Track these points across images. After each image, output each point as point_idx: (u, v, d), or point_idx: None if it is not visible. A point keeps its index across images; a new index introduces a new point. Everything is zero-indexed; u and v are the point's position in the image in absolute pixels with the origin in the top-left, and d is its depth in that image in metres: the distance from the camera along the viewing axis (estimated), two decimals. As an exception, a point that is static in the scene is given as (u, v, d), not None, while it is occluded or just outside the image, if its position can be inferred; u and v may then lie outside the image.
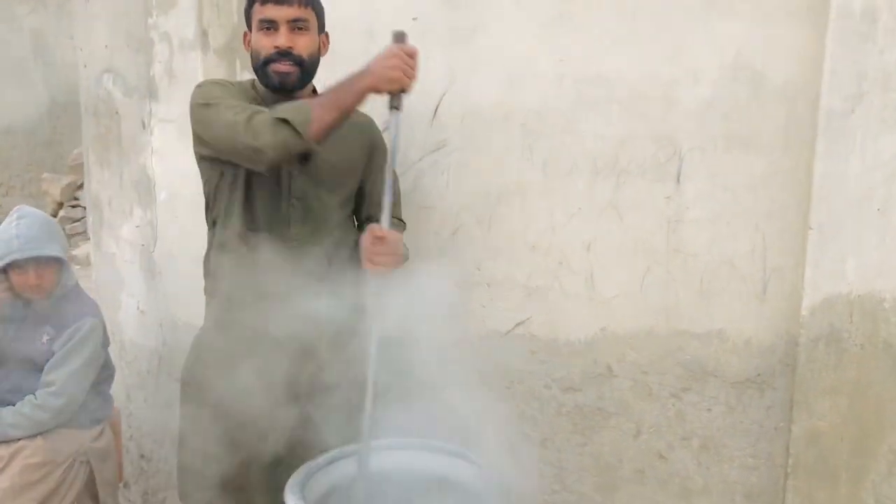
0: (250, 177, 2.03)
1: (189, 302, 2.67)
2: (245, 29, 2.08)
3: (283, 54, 1.96)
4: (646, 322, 2.12)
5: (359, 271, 2.06)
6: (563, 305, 2.24)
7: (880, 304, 1.72)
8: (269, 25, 1.96)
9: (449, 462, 1.82)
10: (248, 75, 2.66)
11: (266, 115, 1.84)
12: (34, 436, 2.41)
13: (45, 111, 8.17)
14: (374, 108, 2.07)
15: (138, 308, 3.00)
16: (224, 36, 2.61)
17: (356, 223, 2.28)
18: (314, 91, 2.11)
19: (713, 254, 2.01)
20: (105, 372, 2.61)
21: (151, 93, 2.75)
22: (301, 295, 2.02)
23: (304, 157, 1.89)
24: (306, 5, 1.98)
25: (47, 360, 2.48)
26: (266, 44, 1.97)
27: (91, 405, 2.55)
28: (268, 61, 1.98)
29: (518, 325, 2.31)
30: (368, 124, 2.20)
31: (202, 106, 1.96)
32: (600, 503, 2.23)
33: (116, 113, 2.95)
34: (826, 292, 1.78)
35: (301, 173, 2.04)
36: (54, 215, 6.75)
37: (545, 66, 2.16)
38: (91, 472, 2.54)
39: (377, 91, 1.86)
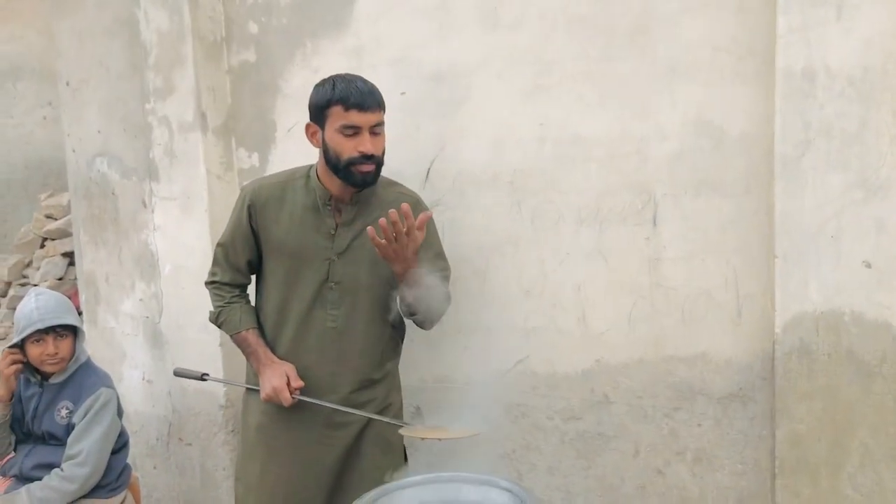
0: (296, 264, 2.22)
1: (198, 369, 2.80)
2: (308, 122, 2.15)
3: (367, 157, 2.10)
4: (636, 351, 2.33)
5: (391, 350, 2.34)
6: (558, 342, 2.43)
7: (841, 317, 1.99)
8: (354, 131, 2.08)
9: (483, 490, 1.97)
10: (243, 152, 2.87)
11: (218, 315, 2.32)
12: (63, 507, 2.50)
13: (-15, 191, 8.07)
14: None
15: (144, 378, 3.09)
16: (220, 117, 2.80)
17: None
18: None
19: (691, 286, 2.24)
20: (121, 440, 2.70)
21: (151, 173, 2.90)
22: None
23: None
24: (382, 110, 2.13)
25: (67, 433, 2.56)
26: (349, 147, 2.08)
27: (112, 473, 2.63)
28: (351, 163, 2.10)
29: (518, 363, 2.50)
30: (412, 206, 2.19)
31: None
32: (607, 520, 2.43)
33: (112, 193, 3.08)
34: (794, 311, 2.04)
35: (341, 259, 2.20)
36: (3, 295, 6.70)
37: (527, 131, 2.39)
38: (118, 539, 2.62)
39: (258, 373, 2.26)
